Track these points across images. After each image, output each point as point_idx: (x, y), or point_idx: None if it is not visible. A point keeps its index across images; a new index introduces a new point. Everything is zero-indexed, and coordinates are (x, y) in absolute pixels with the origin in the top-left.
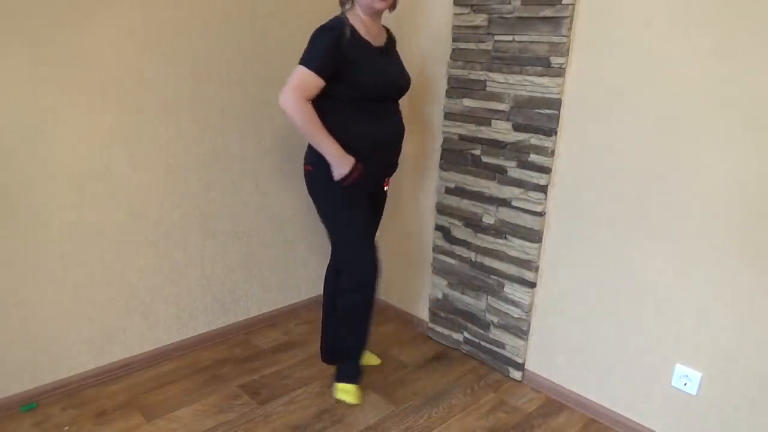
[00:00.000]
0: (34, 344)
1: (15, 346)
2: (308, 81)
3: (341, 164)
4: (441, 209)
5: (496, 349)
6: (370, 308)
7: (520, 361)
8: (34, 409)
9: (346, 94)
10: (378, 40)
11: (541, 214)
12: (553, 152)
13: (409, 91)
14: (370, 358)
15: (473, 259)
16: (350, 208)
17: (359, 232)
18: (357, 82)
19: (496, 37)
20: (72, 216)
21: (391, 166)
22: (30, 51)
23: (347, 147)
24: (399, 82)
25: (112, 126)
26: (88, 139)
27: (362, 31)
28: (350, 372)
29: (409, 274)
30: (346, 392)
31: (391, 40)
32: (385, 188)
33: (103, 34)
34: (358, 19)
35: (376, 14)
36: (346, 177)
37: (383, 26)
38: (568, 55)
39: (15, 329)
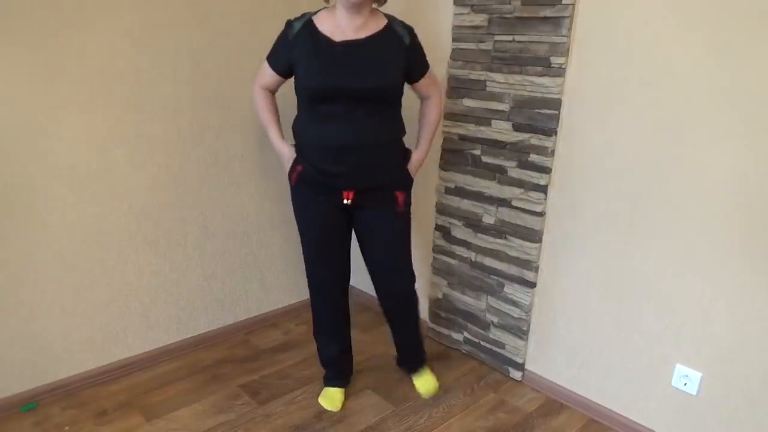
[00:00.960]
0: (34, 344)
1: (15, 346)
2: (263, 70)
3: (280, 156)
4: (441, 209)
5: (496, 349)
6: (314, 316)
7: (520, 361)
8: (34, 409)
9: (299, 92)
10: (352, 35)
11: (541, 214)
12: (553, 152)
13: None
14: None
15: (473, 259)
16: (301, 211)
17: (305, 239)
18: (298, 79)
19: (496, 37)
20: (72, 216)
21: (345, 178)
22: (30, 51)
23: (297, 149)
24: (348, 81)
25: (112, 126)
26: (88, 139)
27: (326, 25)
28: (324, 375)
29: None
30: (322, 396)
31: (389, 35)
32: (344, 201)
33: (103, 35)
34: (330, 13)
35: (355, 7)
36: (288, 174)
37: (390, 18)
38: (568, 55)
39: (15, 329)
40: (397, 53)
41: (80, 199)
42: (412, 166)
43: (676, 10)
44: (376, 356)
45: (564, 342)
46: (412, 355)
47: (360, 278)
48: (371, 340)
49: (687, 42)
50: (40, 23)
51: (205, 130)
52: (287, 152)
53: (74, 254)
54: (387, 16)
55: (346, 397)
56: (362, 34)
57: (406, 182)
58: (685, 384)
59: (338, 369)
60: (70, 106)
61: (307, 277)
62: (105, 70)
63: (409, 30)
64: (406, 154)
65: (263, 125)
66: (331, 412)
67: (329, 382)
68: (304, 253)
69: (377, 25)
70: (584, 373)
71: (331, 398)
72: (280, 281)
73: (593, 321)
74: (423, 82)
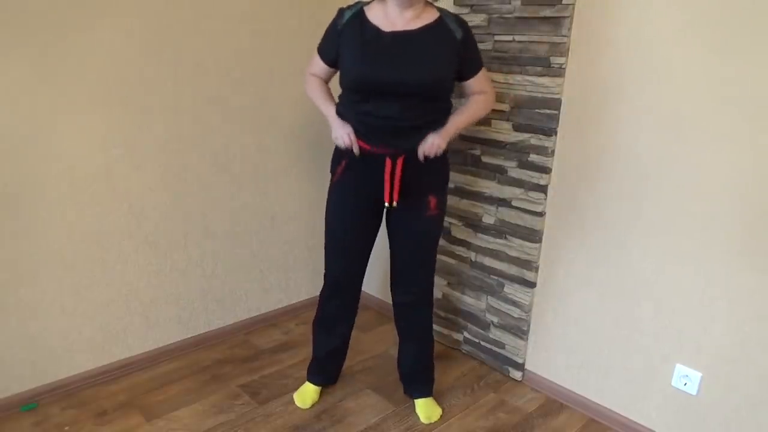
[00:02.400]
0: (34, 344)
1: (15, 346)
2: (313, 60)
3: (334, 127)
4: None
5: (496, 349)
6: (319, 308)
7: (520, 361)
8: (34, 409)
9: (343, 84)
10: (402, 26)
11: (541, 214)
12: (553, 152)
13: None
14: (430, 409)
15: (473, 259)
16: (335, 207)
17: (332, 235)
18: (342, 69)
19: (496, 37)
20: (72, 216)
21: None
22: (30, 51)
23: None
24: (394, 73)
25: (113, 126)
26: (88, 139)
27: (376, 15)
28: (308, 367)
29: None
30: (297, 391)
31: (441, 28)
32: (386, 204)
33: (103, 35)
34: (381, 5)
35: (405, 3)
36: (332, 169)
37: (442, 12)
38: (568, 55)
39: (15, 329)
40: (449, 47)
41: (80, 199)
42: (441, 132)
43: (675, 10)
44: (376, 356)
45: (564, 342)
46: (420, 377)
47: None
48: (371, 340)
49: (687, 41)
50: (40, 23)
51: (205, 130)
52: (346, 125)
53: (74, 254)
54: (440, 9)
55: (346, 396)
56: (414, 26)
57: (440, 185)
58: (685, 384)
59: (324, 366)
60: (71, 106)
61: (325, 270)
62: (105, 70)
63: (463, 24)
64: (446, 160)
65: (317, 105)
66: (333, 411)
67: (310, 376)
68: (326, 248)
69: (429, 17)
70: (584, 373)
71: (305, 395)
72: (280, 281)
73: (593, 321)
74: (476, 81)
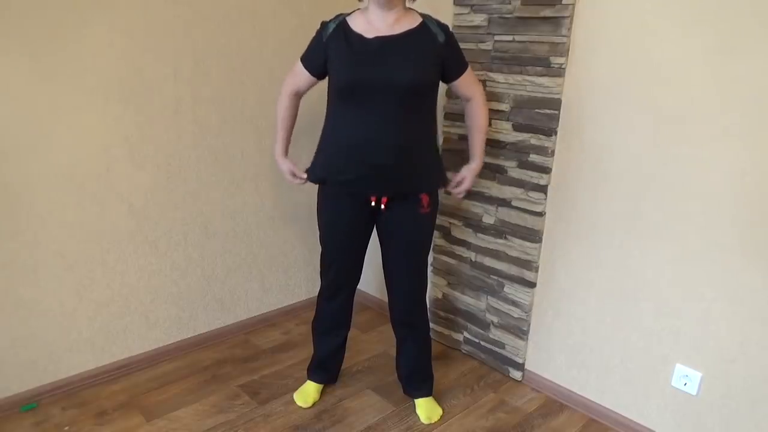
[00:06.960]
0: (34, 344)
1: (15, 346)
2: (295, 70)
3: (278, 167)
4: (441, 209)
5: (496, 349)
6: (318, 310)
7: (520, 361)
8: (34, 409)
9: (331, 92)
10: (385, 31)
11: (541, 214)
12: (553, 152)
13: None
14: (431, 409)
15: (473, 259)
16: (325, 209)
17: (326, 238)
18: (330, 77)
19: (496, 37)
20: (72, 216)
21: (372, 180)
22: (30, 51)
23: (321, 150)
24: (379, 74)
25: (112, 126)
26: (89, 139)
27: (359, 23)
28: (308, 366)
29: None
30: (298, 391)
31: (423, 32)
32: (372, 204)
33: (103, 34)
34: (363, 14)
35: (387, 5)
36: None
37: (425, 17)
38: (568, 55)
39: (15, 329)
40: (430, 50)
41: (80, 199)
42: (467, 181)
43: (675, 10)
44: (376, 356)
45: (564, 342)
46: (418, 376)
47: (362, 277)
48: (371, 340)
49: (686, 41)
50: (39, 22)
51: (205, 130)
52: (286, 168)
53: (74, 254)
54: (422, 15)
55: (346, 396)
56: (396, 30)
57: (431, 184)
58: (685, 384)
59: (325, 365)
60: (70, 106)
61: (321, 272)
62: (105, 70)
63: (445, 28)
64: (437, 157)
65: (277, 129)
66: (333, 411)
67: (311, 374)
68: (322, 250)
69: (411, 23)
70: (584, 373)
71: (306, 394)
72: (280, 281)
73: (593, 321)
74: (462, 82)
